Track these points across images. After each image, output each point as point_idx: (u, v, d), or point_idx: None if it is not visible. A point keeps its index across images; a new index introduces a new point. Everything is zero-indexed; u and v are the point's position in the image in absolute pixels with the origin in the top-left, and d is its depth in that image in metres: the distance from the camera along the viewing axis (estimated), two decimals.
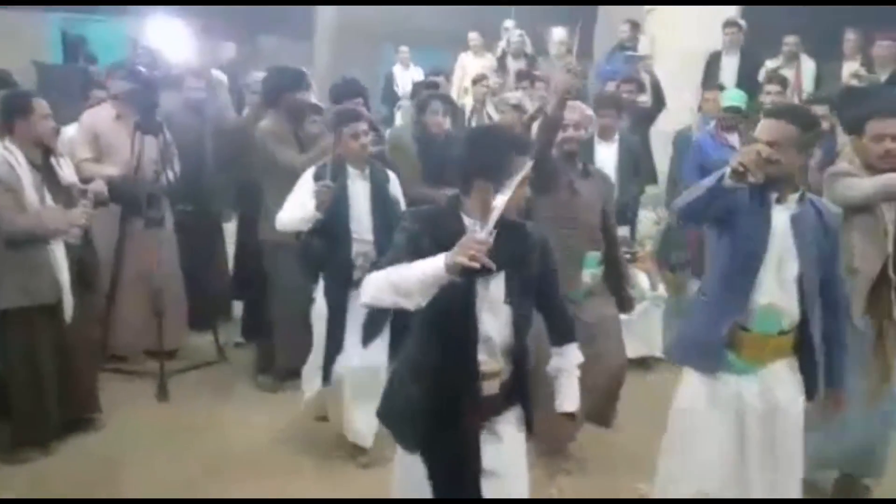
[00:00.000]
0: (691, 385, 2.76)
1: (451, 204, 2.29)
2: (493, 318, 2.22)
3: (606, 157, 4.90)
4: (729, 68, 7.06)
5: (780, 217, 2.60)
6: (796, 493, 2.67)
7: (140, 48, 6.71)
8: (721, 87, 6.28)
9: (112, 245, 4.60)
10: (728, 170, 2.42)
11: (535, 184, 3.32)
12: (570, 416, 2.44)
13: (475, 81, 7.06)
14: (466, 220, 2.20)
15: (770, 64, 7.10)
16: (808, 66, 7.10)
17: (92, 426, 3.98)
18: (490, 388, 2.25)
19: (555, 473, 3.60)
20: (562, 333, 2.48)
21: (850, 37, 6.97)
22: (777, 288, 2.60)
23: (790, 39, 7.07)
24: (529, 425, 2.39)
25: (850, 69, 6.85)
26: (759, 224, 2.58)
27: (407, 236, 2.23)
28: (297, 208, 3.54)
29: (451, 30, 9.79)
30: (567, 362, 2.46)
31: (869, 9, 6.83)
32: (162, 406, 4.35)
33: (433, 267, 2.01)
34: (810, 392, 2.71)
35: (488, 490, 2.24)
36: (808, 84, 7.06)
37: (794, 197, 2.62)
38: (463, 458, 2.23)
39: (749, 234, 2.59)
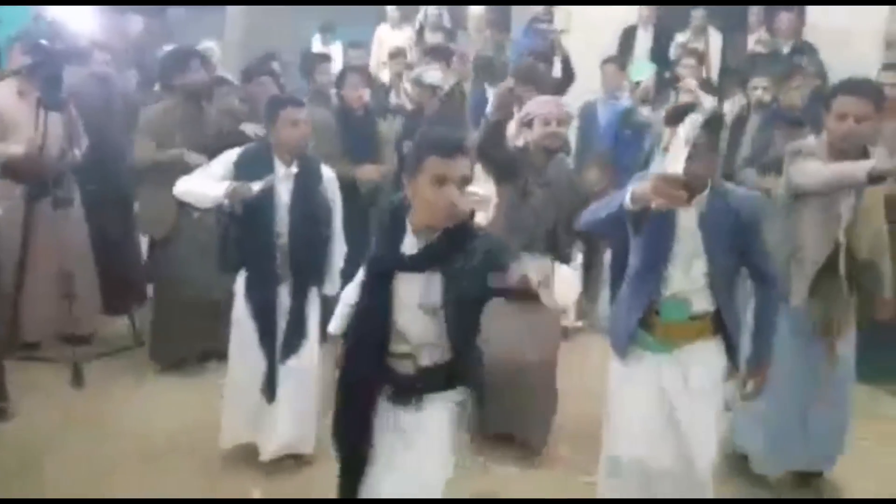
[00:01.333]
0: (617, 364, 2.86)
1: (403, 207, 2.30)
2: (411, 317, 2.27)
3: None
4: (643, 42, 7.21)
5: (688, 216, 2.61)
6: (708, 463, 2.74)
7: (42, 20, 6.38)
8: (618, 61, 6.43)
9: (17, 226, 4.41)
10: (627, 199, 2.36)
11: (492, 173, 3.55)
12: None
13: (392, 56, 7.02)
14: (408, 223, 2.27)
15: (680, 38, 7.28)
16: (716, 38, 7.29)
17: (1, 416, 3.84)
18: (403, 367, 2.33)
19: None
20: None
21: (755, 10, 7.20)
22: (685, 281, 2.66)
23: (698, 13, 7.22)
24: (465, 419, 2.39)
25: (754, 41, 7.11)
26: (665, 225, 2.61)
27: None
28: (207, 184, 3.31)
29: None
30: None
31: None
32: (77, 393, 4.22)
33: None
34: (732, 371, 2.80)
35: (401, 451, 2.34)
36: (715, 57, 7.27)
37: (702, 196, 2.61)
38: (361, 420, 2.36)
39: (656, 235, 2.63)
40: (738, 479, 3.51)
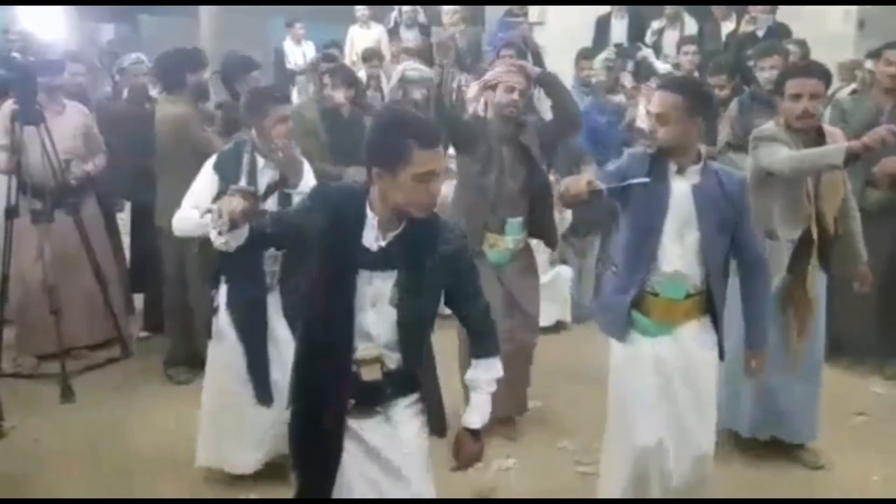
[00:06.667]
0: (616, 352, 2.85)
1: (360, 191, 2.14)
2: (377, 317, 2.13)
3: None
4: (618, 30, 7.24)
5: (680, 187, 2.66)
6: (711, 440, 2.79)
7: (12, 34, 6.29)
8: (588, 54, 6.47)
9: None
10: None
11: (455, 143, 3.57)
12: (475, 433, 2.28)
13: (366, 59, 7.00)
14: (368, 213, 2.10)
15: (655, 24, 7.31)
16: (691, 26, 7.33)
17: None
18: (370, 373, 2.16)
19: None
20: (481, 347, 2.30)
21: None
22: (680, 256, 2.67)
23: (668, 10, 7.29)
24: (433, 421, 2.28)
25: (727, 29, 7.15)
26: (657, 196, 2.65)
27: (305, 211, 2.17)
28: (189, 213, 3.01)
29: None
30: (482, 377, 2.28)
31: None
32: (68, 408, 4.15)
33: None
34: (721, 350, 2.79)
35: (379, 474, 2.20)
36: None
37: (694, 168, 2.67)
38: (325, 442, 2.18)
39: (647, 206, 2.65)
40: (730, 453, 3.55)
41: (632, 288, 2.72)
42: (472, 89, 3.80)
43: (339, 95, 4.53)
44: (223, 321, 3.23)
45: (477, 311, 2.28)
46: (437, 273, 2.12)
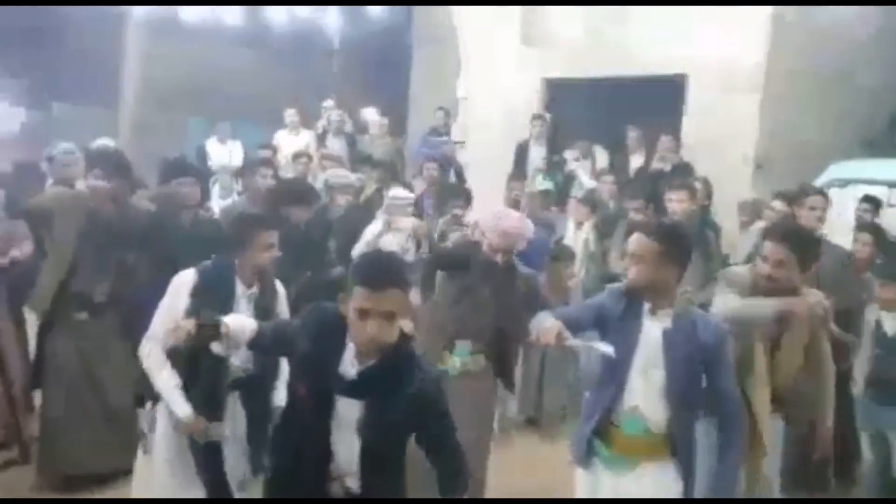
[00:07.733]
0: (579, 480, 2.86)
1: (340, 327, 2.19)
2: (340, 439, 2.19)
3: None
4: (536, 156, 7.66)
5: (652, 328, 2.65)
6: None
7: None
8: (518, 176, 6.85)
9: None
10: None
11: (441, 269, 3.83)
12: None
13: (295, 157, 7.15)
14: (349, 342, 2.18)
15: (568, 154, 7.76)
16: (602, 157, 7.83)
17: None
18: (334, 490, 2.24)
19: None
20: (448, 485, 2.32)
21: (632, 134, 7.75)
22: (643, 394, 2.65)
23: (580, 143, 7.70)
24: None
25: (636, 162, 7.67)
26: (628, 333, 2.65)
27: (297, 331, 2.28)
28: (164, 378, 2.95)
29: (260, 103, 9.74)
30: None
31: (652, 108, 7.67)
32: None
33: None
34: (688, 496, 2.72)
35: None
36: None
37: (667, 311, 2.66)
38: None
39: (619, 341, 2.60)
40: None
41: (594, 418, 2.73)
42: (471, 217, 4.02)
43: (304, 215, 4.47)
44: (160, 437, 3.04)
45: (445, 453, 2.31)
46: (404, 410, 2.17)
